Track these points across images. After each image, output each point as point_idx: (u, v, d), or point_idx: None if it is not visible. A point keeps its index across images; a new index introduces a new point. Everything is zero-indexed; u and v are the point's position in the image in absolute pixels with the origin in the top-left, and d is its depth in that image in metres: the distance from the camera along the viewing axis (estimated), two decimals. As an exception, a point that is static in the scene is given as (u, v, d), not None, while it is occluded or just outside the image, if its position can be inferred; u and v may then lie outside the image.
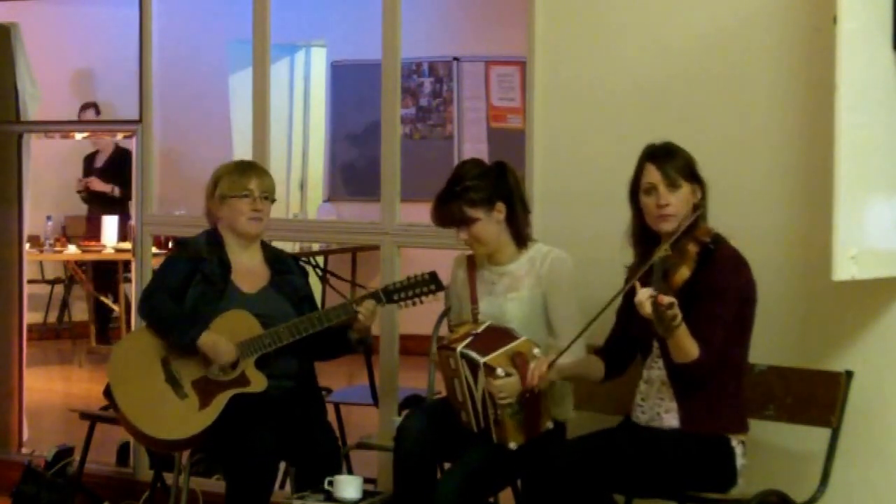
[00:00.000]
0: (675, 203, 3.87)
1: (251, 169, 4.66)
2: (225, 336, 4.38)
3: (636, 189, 3.96)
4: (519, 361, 3.98)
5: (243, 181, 4.56)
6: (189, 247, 4.59)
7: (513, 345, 4.03)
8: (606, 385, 4.15)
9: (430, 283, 4.43)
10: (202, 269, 4.50)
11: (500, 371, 3.96)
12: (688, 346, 3.71)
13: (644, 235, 3.96)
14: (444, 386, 4.24)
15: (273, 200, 4.63)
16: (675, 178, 3.88)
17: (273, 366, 4.42)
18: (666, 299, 3.55)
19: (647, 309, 3.58)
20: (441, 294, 4.47)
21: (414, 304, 4.45)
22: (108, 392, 4.48)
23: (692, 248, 3.79)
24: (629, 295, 3.94)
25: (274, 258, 4.66)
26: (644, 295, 3.60)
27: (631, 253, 4.04)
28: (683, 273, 3.75)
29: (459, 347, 4.08)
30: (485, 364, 3.99)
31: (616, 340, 4.07)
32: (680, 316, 3.59)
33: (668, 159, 3.91)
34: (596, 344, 4.14)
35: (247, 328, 4.41)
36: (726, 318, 3.82)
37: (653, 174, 3.91)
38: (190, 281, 4.49)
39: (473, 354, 4.03)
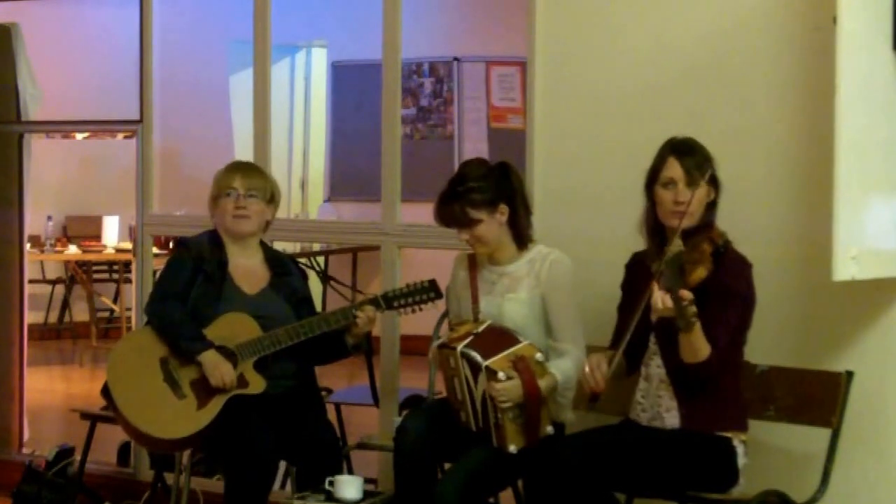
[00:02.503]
0: (692, 201, 3.84)
1: (238, 168, 4.67)
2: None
3: (653, 180, 3.94)
4: (521, 366, 3.98)
5: (228, 180, 4.57)
6: (191, 247, 4.60)
7: (514, 348, 4.03)
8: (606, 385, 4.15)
9: (429, 290, 4.44)
10: (204, 269, 4.51)
11: (501, 375, 3.96)
12: (701, 345, 3.70)
13: (656, 228, 3.94)
14: (444, 385, 4.24)
15: (271, 199, 4.62)
16: (696, 177, 3.86)
17: (271, 367, 4.42)
18: (687, 294, 3.55)
19: (667, 303, 3.57)
20: (440, 302, 4.47)
21: (413, 311, 4.46)
22: (105, 391, 4.48)
23: (707, 248, 3.78)
24: (630, 291, 3.95)
25: (274, 259, 4.67)
26: (660, 291, 3.59)
27: (628, 252, 4.04)
28: (701, 273, 3.72)
29: (460, 346, 4.08)
30: (486, 367, 3.99)
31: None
32: (697, 313, 3.59)
33: (689, 155, 3.89)
34: (593, 345, 4.14)
35: (246, 330, 4.41)
36: (732, 320, 3.82)
37: (674, 168, 3.89)
38: (193, 281, 4.49)
39: (475, 356, 4.03)
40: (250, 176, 4.60)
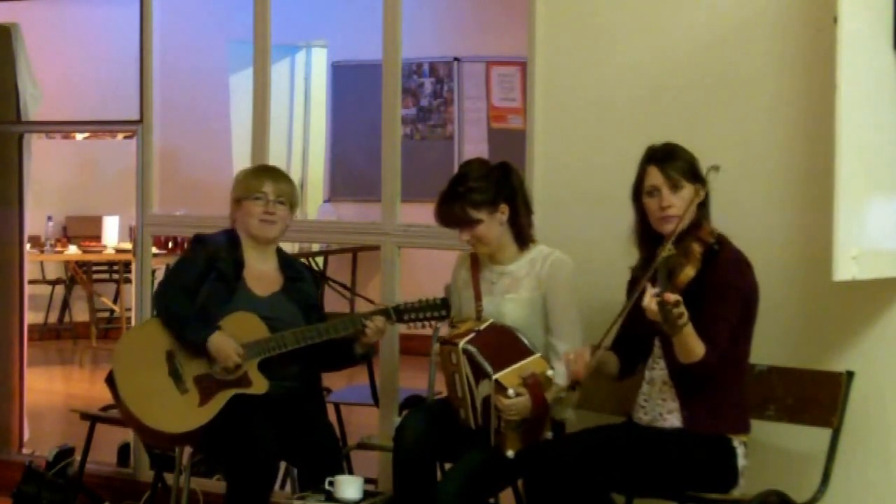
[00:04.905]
0: (677, 204, 3.86)
1: (267, 172, 4.67)
2: (231, 335, 4.39)
3: (639, 191, 3.96)
4: (531, 382, 3.97)
5: (256, 184, 4.56)
6: (208, 244, 4.60)
7: (526, 362, 4.01)
8: (607, 385, 4.14)
9: (441, 308, 4.41)
10: (218, 267, 4.51)
11: (511, 392, 3.94)
12: (694, 346, 3.71)
13: (648, 237, 3.96)
14: (445, 381, 4.24)
15: (292, 205, 4.62)
16: (677, 180, 3.87)
17: (275, 369, 4.42)
18: (672, 297, 3.54)
19: (653, 308, 3.58)
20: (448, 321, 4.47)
21: (423, 326, 4.46)
22: (110, 379, 4.49)
23: (696, 248, 3.78)
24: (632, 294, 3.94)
25: (287, 264, 4.67)
26: (649, 295, 3.59)
27: (634, 254, 4.04)
28: (688, 272, 3.74)
29: (461, 343, 4.08)
30: (496, 381, 3.98)
31: (624, 341, 4.06)
32: (686, 315, 3.58)
33: (669, 161, 3.90)
34: (593, 345, 4.14)
35: (253, 330, 4.41)
36: (731, 318, 3.81)
37: (655, 176, 3.90)
38: (205, 278, 4.50)
39: (484, 364, 4.01)
40: (279, 181, 4.60)
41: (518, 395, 3.95)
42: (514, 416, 3.96)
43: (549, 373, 4.00)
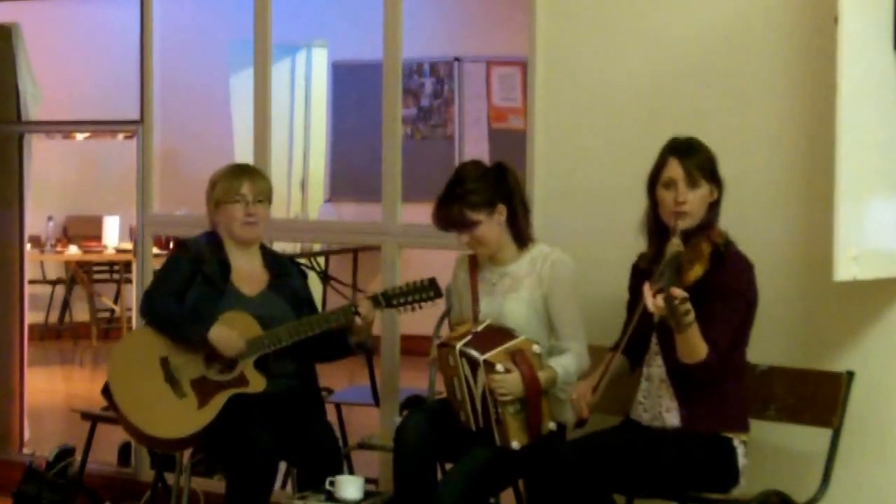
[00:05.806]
0: (692, 201, 3.84)
1: (244, 173, 4.64)
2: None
3: (654, 181, 3.94)
4: (519, 358, 3.99)
5: (235, 186, 4.55)
6: (190, 247, 4.60)
7: (512, 343, 4.05)
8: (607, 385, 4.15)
9: (429, 289, 4.44)
10: (203, 270, 4.51)
11: (499, 367, 3.97)
12: (697, 345, 3.70)
13: (657, 228, 3.94)
14: (444, 385, 4.24)
15: (270, 201, 4.63)
16: (696, 177, 3.86)
17: (272, 367, 4.42)
18: (679, 293, 3.54)
19: (659, 303, 3.57)
20: (440, 300, 4.48)
21: (413, 309, 4.47)
22: (106, 391, 4.49)
23: (706, 248, 3.77)
24: (636, 289, 3.94)
25: (273, 261, 4.67)
26: (651, 291, 3.58)
27: (634, 253, 4.04)
28: (697, 272, 3.72)
29: (458, 345, 4.09)
30: (484, 361, 4.00)
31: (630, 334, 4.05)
32: (693, 312, 3.58)
33: (691, 155, 3.88)
34: (595, 344, 4.14)
35: (246, 329, 4.41)
36: (733, 320, 3.81)
37: (674, 169, 3.88)
38: (191, 282, 4.50)
39: (473, 352, 4.04)
40: (257, 180, 4.60)
41: (507, 370, 3.97)
42: (507, 394, 3.97)
43: (535, 348, 4.03)
